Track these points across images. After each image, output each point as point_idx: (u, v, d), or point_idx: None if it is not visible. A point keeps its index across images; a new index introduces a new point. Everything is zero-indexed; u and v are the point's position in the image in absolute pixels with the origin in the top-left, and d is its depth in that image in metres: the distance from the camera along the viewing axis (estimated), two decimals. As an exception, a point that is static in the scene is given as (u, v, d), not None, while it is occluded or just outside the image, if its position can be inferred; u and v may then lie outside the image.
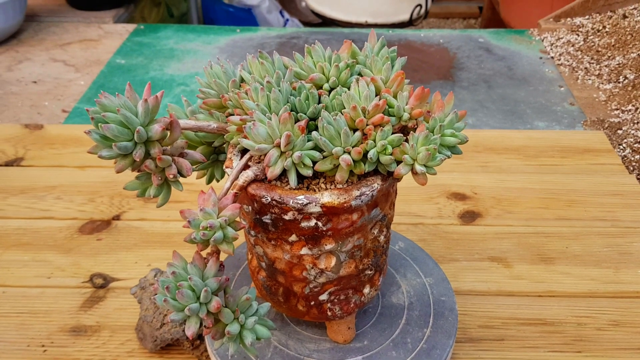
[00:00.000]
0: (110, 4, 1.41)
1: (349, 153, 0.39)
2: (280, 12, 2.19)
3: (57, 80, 1.11)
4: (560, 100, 1.04)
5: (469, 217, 0.76)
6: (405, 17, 1.79)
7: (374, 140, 0.39)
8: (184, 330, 0.54)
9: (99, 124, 0.38)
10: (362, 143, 0.39)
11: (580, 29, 1.23)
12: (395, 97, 0.41)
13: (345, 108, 0.40)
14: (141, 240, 0.72)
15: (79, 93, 1.06)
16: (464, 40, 1.26)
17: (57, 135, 0.91)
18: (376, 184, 0.40)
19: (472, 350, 0.59)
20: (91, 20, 1.36)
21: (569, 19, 1.27)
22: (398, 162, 0.40)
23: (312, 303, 0.46)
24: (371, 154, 0.39)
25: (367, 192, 0.40)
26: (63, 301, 0.64)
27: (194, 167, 0.48)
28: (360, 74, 0.43)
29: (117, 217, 0.75)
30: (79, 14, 1.39)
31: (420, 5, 1.81)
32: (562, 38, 1.23)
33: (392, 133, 0.39)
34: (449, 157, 0.40)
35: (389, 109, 0.41)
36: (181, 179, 0.42)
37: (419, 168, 0.39)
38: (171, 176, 0.40)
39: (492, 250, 0.71)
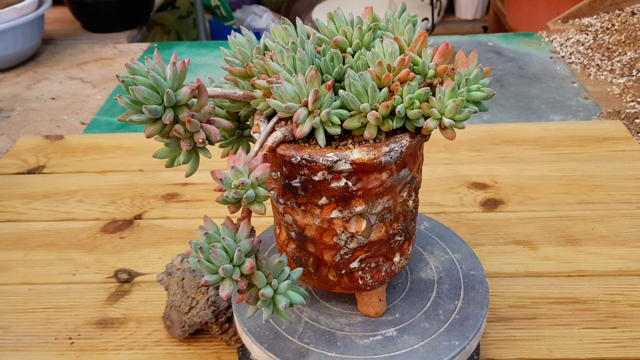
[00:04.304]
0: (122, 26, 1.44)
1: (377, 110, 0.39)
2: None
3: (74, 96, 1.12)
4: (574, 95, 1.05)
5: (491, 204, 0.75)
6: (412, 31, 1.81)
7: (401, 96, 0.39)
8: (212, 312, 0.54)
9: (129, 87, 0.38)
10: (389, 100, 0.39)
11: (589, 29, 1.24)
12: (419, 55, 0.41)
13: (370, 68, 0.41)
14: (164, 237, 0.72)
15: (97, 106, 1.08)
16: (473, 45, 1.27)
17: (77, 144, 0.92)
18: (405, 140, 0.40)
19: (504, 329, 0.58)
20: (106, 41, 1.39)
21: (577, 19, 1.28)
22: (425, 118, 0.40)
23: (343, 272, 0.45)
24: (399, 108, 0.39)
25: (397, 148, 0.40)
26: (88, 296, 0.64)
27: (219, 144, 0.48)
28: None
29: (138, 217, 0.75)
30: (93, 36, 1.42)
31: (427, 18, 1.83)
32: (571, 38, 1.23)
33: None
34: (475, 112, 0.40)
35: (414, 67, 0.41)
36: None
37: (447, 121, 0.39)
38: (200, 141, 0.40)
39: (517, 234, 0.70)
